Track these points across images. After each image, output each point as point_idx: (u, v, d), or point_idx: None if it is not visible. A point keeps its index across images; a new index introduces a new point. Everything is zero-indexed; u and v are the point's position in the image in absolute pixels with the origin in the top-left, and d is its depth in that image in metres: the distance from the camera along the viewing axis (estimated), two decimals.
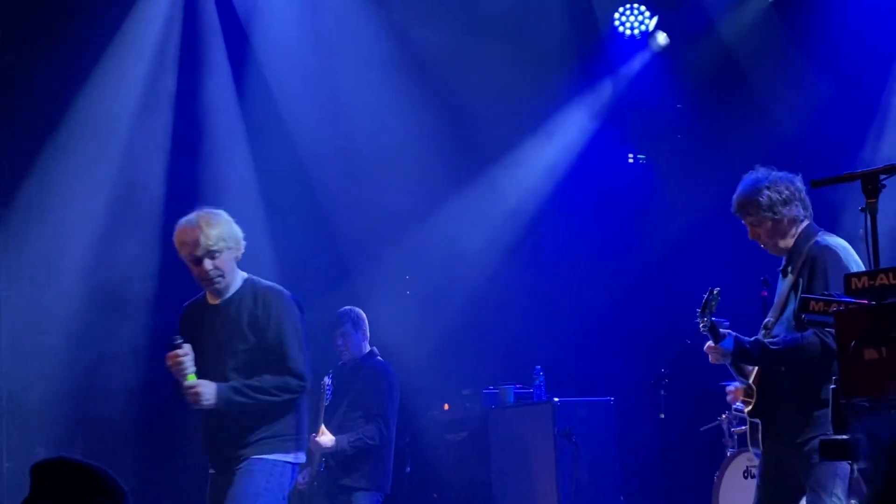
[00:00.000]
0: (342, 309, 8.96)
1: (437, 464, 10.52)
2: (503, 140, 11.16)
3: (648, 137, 11.58)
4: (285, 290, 6.31)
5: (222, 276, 6.14)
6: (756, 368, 5.91)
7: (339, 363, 8.87)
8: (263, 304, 6.15)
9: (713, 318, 5.86)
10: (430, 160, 10.89)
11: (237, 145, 10.57)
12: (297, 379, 6.11)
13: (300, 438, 6.28)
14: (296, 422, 6.22)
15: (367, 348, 8.93)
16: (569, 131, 11.23)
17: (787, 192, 5.91)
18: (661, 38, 11.20)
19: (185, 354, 6.08)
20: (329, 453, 8.57)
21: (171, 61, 10.37)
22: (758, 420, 5.90)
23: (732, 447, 8.94)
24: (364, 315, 8.97)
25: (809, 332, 5.67)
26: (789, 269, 5.95)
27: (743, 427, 6.16)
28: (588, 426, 9.46)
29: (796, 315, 5.78)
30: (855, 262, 5.77)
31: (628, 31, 11.22)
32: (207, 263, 6.08)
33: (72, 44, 9.87)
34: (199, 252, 6.07)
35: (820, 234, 5.93)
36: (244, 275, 6.30)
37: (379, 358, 8.94)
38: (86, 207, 9.89)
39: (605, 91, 11.33)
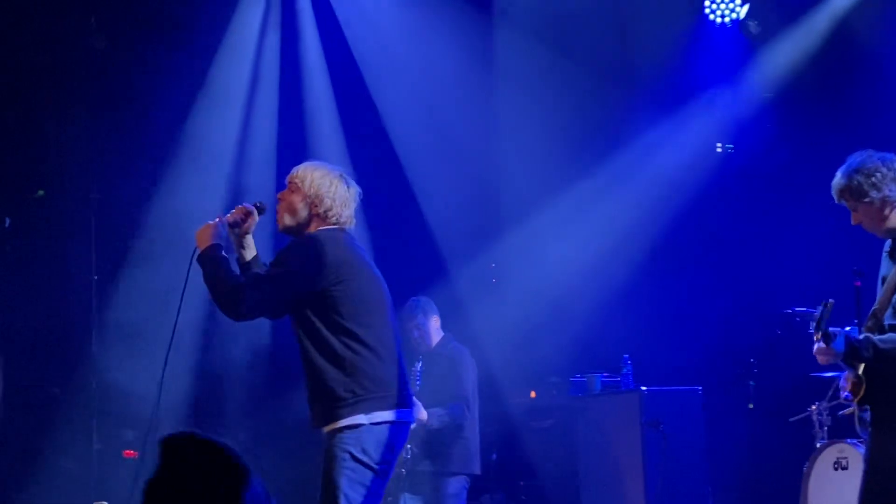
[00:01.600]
0: (410, 301, 9.01)
1: (523, 451, 10.55)
2: (593, 131, 11.15)
3: (736, 126, 11.51)
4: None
5: (286, 213, 6.04)
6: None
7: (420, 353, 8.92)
8: None
9: (826, 327, 5.81)
10: (526, 158, 10.98)
11: (337, 148, 10.71)
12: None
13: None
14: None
15: (442, 333, 8.98)
16: (658, 120, 11.20)
17: (876, 175, 5.85)
18: (753, 26, 11.12)
19: (248, 214, 5.99)
20: (413, 440, 8.63)
21: (272, 69, 10.58)
22: (867, 407, 5.86)
23: (823, 438, 8.84)
24: (431, 302, 9.02)
25: None
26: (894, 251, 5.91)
27: (850, 409, 6.07)
28: (675, 416, 9.42)
29: None
30: None
31: (719, 19, 11.15)
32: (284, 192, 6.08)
33: (179, 59, 10.11)
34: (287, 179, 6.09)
35: None
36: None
37: (455, 342, 8.99)
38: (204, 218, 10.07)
39: (695, 81, 11.27)
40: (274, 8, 10.73)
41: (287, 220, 5.99)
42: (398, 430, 5.84)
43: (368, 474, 5.71)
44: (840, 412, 6.25)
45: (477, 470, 8.78)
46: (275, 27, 10.74)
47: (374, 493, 5.73)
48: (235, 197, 9.92)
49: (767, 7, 11.14)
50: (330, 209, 5.93)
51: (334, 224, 5.95)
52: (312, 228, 5.95)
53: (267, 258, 6.20)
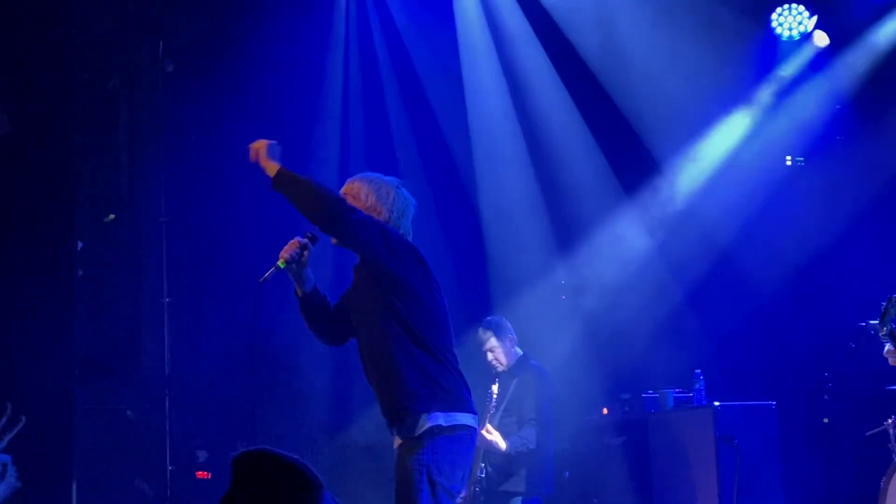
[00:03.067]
0: (484, 321, 8.99)
1: (596, 468, 10.48)
2: (664, 143, 11.11)
3: (807, 140, 11.40)
4: None
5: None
6: None
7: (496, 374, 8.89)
8: None
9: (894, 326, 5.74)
10: (593, 164, 10.98)
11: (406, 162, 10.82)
12: None
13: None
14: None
15: (519, 353, 8.93)
16: (727, 134, 11.13)
17: None
18: (821, 39, 11.01)
19: (303, 248, 5.92)
20: (488, 460, 8.60)
21: (340, 89, 10.71)
22: None
23: None
24: (505, 321, 8.98)
25: None
26: None
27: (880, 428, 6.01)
28: (749, 431, 9.31)
29: None
30: None
31: (787, 33, 11.05)
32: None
33: (246, 80, 10.24)
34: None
35: None
36: None
37: (533, 361, 8.94)
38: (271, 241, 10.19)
39: (764, 93, 11.18)
40: (339, 23, 10.81)
41: None
42: (472, 436, 5.82)
43: (445, 497, 5.69)
44: (867, 433, 6.17)
45: (550, 490, 8.74)
46: (341, 43, 10.83)
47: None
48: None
49: (835, 19, 11.03)
50: (388, 220, 5.89)
51: None
52: None
53: (327, 288, 6.19)
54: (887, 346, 5.76)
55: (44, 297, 8.80)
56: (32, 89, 8.98)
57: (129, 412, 9.89)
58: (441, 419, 5.68)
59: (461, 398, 5.77)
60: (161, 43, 10.09)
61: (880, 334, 5.75)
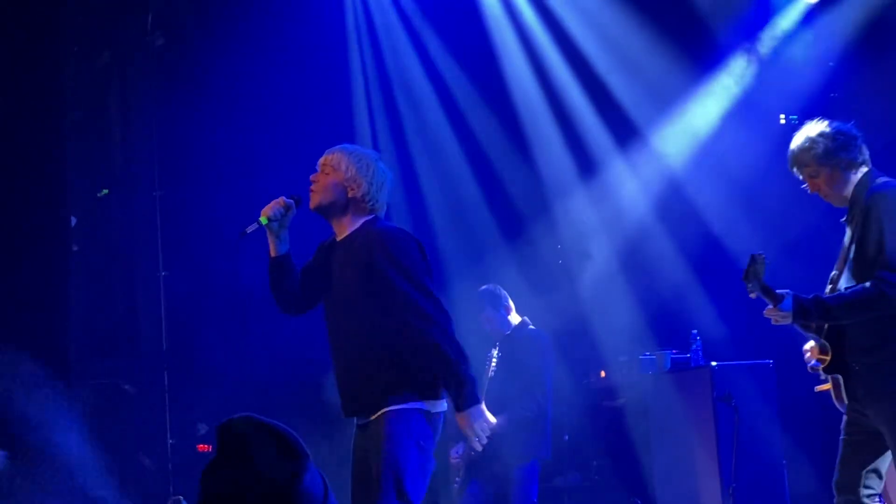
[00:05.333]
0: (478, 292, 8.99)
1: (594, 431, 10.52)
2: (655, 102, 11.09)
3: (800, 97, 11.37)
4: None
5: (319, 192, 5.92)
6: (826, 325, 5.80)
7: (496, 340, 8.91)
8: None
9: (765, 283, 5.76)
10: (585, 124, 10.97)
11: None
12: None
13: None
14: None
15: (517, 319, 8.94)
16: (719, 92, 11.10)
17: (841, 138, 5.81)
18: None
19: (287, 208, 5.88)
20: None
21: (332, 66, 10.77)
22: (839, 375, 5.78)
23: None
24: (500, 289, 8.98)
25: (869, 284, 5.55)
26: (850, 218, 5.84)
27: (825, 385, 6.03)
28: (747, 390, 9.33)
29: (855, 266, 5.68)
30: None
31: None
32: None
33: (237, 55, 10.22)
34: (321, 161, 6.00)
35: (879, 180, 5.80)
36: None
37: (531, 327, 8.95)
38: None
39: (755, 50, 11.14)
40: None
41: (321, 199, 5.87)
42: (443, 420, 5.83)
43: (427, 464, 5.71)
44: (815, 388, 6.18)
45: (548, 454, 8.76)
46: (334, 15, 10.82)
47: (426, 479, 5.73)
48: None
49: None
50: (367, 193, 5.85)
51: (370, 209, 5.87)
52: (349, 213, 5.85)
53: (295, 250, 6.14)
54: (767, 307, 5.79)
55: (39, 274, 8.79)
56: (21, 65, 8.94)
57: (127, 387, 9.91)
58: (426, 406, 5.69)
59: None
60: (150, 16, 10.05)
61: (750, 295, 5.77)
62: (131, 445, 9.83)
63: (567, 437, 10.26)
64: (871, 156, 6.00)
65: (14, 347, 8.23)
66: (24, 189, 8.88)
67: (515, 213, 11.21)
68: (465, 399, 5.60)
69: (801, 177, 5.96)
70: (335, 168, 5.88)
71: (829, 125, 5.87)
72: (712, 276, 10.86)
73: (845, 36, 10.95)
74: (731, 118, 11.13)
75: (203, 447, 9.95)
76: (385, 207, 5.98)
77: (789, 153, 5.94)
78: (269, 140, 10.46)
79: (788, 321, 5.79)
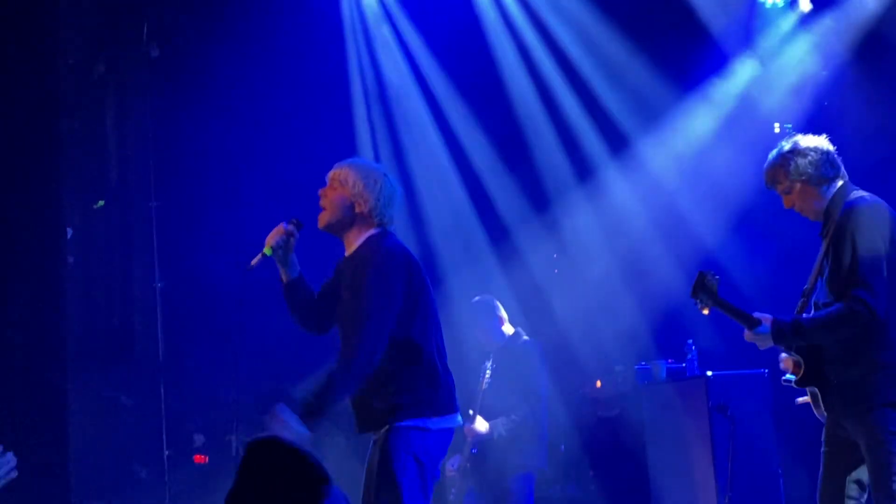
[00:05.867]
0: (472, 303, 9.01)
1: (591, 441, 10.52)
2: (649, 113, 11.11)
3: (794, 106, 11.39)
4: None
5: (328, 209, 5.96)
6: None
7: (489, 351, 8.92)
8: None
9: (728, 300, 5.81)
10: (581, 131, 10.99)
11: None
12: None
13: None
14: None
15: (511, 330, 8.95)
16: (713, 102, 11.12)
17: (812, 154, 5.86)
18: (805, 4, 10.99)
19: (289, 235, 5.93)
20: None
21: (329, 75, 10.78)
22: (815, 388, 5.83)
23: None
24: (494, 301, 9.00)
25: (842, 304, 5.59)
26: (825, 232, 5.89)
27: (805, 398, 6.08)
28: (743, 399, 9.33)
29: (830, 281, 5.72)
30: (889, 218, 5.73)
31: (770, 0, 11.02)
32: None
33: (232, 64, 10.23)
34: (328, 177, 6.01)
35: (852, 194, 5.85)
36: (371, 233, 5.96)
37: (525, 337, 8.96)
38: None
39: (750, 60, 11.17)
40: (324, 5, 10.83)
41: (329, 217, 5.91)
42: (450, 436, 5.85)
43: (428, 478, 5.72)
44: (797, 400, 6.23)
45: (544, 464, 8.76)
46: (328, 24, 10.84)
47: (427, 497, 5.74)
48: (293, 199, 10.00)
49: None
50: (374, 208, 5.87)
51: (378, 224, 5.90)
52: (356, 228, 5.88)
53: (309, 273, 6.17)
54: (746, 331, 5.85)
55: (34, 286, 8.79)
56: (17, 77, 8.96)
57: (123, 398, 9.91)
58: (431, 424, 5.72)
59: (449, 402, 5.81)
60: (145, 28, 10.06)
61: (702, 311, 5.83)
62: (127, 456, 9.83)
63: (563, 448, 10.26)
64: (862, 162, 6.05)
65: (9, 358, 8.26)
66: (20, 200, 8.89)
67: (510, 222, 11.20)
68: (309, 411, 5.54)
69: (777, 192, 6.01)
70: (342, 183, 5.91)
71: (802, 140, 5.92)
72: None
73: (839, 45, 10.98)
74: (725, 127, 11.14)
75: (199, 458, 9.95)
76: (393, 220, 5.99)
77: (764, 171, 6.03)
78: (265, 151, 10.47)
79: (769, 344, 5.84)
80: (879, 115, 10.31)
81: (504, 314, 8.95)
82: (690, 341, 9.82)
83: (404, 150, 11.01)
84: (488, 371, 8.77)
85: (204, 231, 10.18)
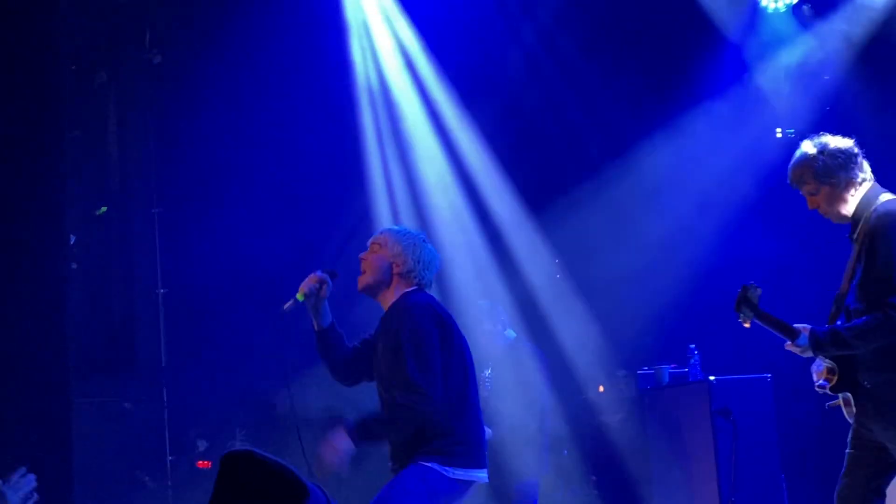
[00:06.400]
0: (477, 306, 9.03)
1: (594, 446, 10.51)
2: (652, 114, 11.13)
3: (797, 111, 11.40)
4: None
5: (368, 271, 6.15)
6: None
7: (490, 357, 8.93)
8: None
9: (769, 312, 5.79)
10: (584, 132, 11.01)
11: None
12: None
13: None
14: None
15: (512, 335, 8.96)
16: (715, 108, 11.13)
17: (841, 156, 5.78)
18: (807, 11, 11.00)
19: (322, 282, 6.08)
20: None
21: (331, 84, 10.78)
22: (848, 393, 5.81)
23: None
24: (498, 305, 9.02)
25: (879, 313, 5.57)
26: (855, 236, 5.82)
27: (835, 401, 6.05)
28: (745, 404, 9.33)
29: (862, 286, 5.69)
30: None
31: (772, 5, 11.03)
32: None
33: (234, 71, 10.24)
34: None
35: (881, 196, 5.78)
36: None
37: (527, 343, 8.98)
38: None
39: (752, 65, 11.18)
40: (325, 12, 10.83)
41: (369, 278, 6.09)
42: (467, 488, 5.95)
43: None
44: (827, 404, 6.22)
45: (546, 471, 8.77)
46: (329, 32, 10.84)
47: None
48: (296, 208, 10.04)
49: None
50: (412, 270, 6.05)
51: (416, 285, 6.07)
52: (394, 287, 6.06)
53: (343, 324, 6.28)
54: (787, 342, 5.83)
55: (37, 292, 8.80)
56: (19, 84, 8.96)
57: (126, 404, 9.91)
58: (450, 473, 5.85)
59: (473, 454, 5.95)
60: (147, 35, 10.08)
61: (744, 324, 5.80)
62: (130, 463, 9.83)
63: (566, 452, 10.25)
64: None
65: (12, 364, 8.26)
66: (23, 207, 8.89)
67: (511, 224, 11.20)
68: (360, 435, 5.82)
69: (801, 192, 5.95)
70: (382, 245, 6.12)
71: (830, 142, 5.85)
72: (711, 289, 10.86)
73: (841, 49, 10.99)
74: (728, 132, 11.15)
75: (203, 464, 9.95)
76: (431, 284, 6.19)
77: (789, 169, 5.93)
78: (268, 157, 10.48)
79: (809, 354, 5.83)
80: (884, 119, 10.32)
81: (506, 319, 8.96)
82: (693, 346, 9.82)
83: (407, 156, 10.99)
84: (488, 371, 8.77)
85: (206, 237, 10.19)
